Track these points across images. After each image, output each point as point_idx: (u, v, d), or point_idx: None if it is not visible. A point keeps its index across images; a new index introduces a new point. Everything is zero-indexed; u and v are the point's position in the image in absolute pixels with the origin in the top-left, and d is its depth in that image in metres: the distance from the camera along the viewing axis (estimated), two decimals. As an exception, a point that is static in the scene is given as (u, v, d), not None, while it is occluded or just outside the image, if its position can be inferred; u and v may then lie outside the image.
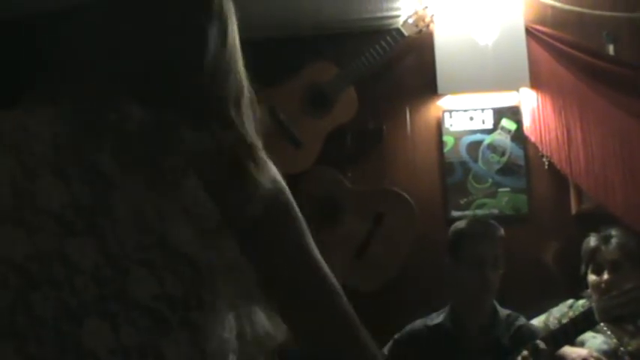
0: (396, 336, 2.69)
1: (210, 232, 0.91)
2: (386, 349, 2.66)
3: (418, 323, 2.69)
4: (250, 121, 1.05)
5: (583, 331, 2.38)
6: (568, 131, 3.32)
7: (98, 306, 0.86)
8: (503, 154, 3.44)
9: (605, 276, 2.70)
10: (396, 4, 3.46)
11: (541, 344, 2.30)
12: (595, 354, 2.53)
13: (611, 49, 3.40)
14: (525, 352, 2.30)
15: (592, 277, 2.77)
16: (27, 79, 0.98)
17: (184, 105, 0.97)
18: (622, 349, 2.61)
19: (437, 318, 2.65)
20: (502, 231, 2.63)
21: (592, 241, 2.82)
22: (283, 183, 1.02)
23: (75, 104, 0.94)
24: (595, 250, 2.78)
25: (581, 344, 2.60)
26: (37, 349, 0.83)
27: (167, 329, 0.88)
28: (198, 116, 0.97)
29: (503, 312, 2.58)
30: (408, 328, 2.70)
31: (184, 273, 0.89)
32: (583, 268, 2.82)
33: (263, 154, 1.01)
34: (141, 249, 0.88)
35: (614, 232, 2.80)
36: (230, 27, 1.05)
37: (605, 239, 2.78)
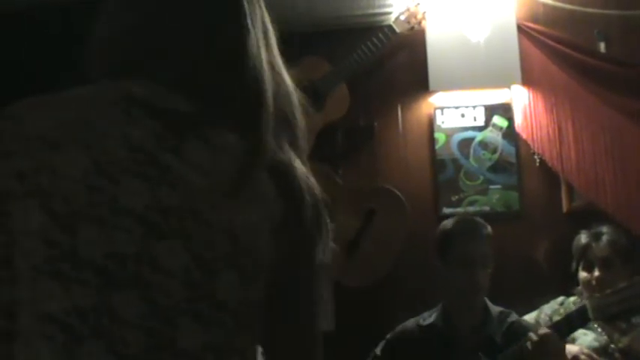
0: (388, 336, 2.68)
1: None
2: (379, 349, 2.66)
3: (410, 323, 2.67)
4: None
5: (576, 329, 2.38)
6: (559, 129, 3.33)
7: (189, 308, 0.85)
8: (494, 151, 3.44)
9: (596, 273, 2.71)
10: (388, 1, 3.46)
11: (534, 336, 2.30)
12: (586, 351, 2.54)
13: (602, 46, 3.41)
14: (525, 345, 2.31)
15: (583, 274, 2.77)
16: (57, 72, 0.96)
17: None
18: (612, 345, 2.62)
19: (429, 318, 2.63)
20: (490, 229, 2.60)
21: (583, 238, 2.83)
22: None
23: (143, 105, 0.91)
24: (586, 248, 2.78)
25: (572, 341, 2.60)
26: (125, 349, 0.82)
27: (247, 331, 0.91)
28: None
29: (495, 309, 2.57)
30: (401, 327, 2.68)
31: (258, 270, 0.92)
32: (574, 265, 2.83)
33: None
34: (231, 255, 0.89)
35: (604, 229, 2.81)
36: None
37: (596, 236, 2.79)
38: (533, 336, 2.29)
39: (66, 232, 0.83)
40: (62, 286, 0.82)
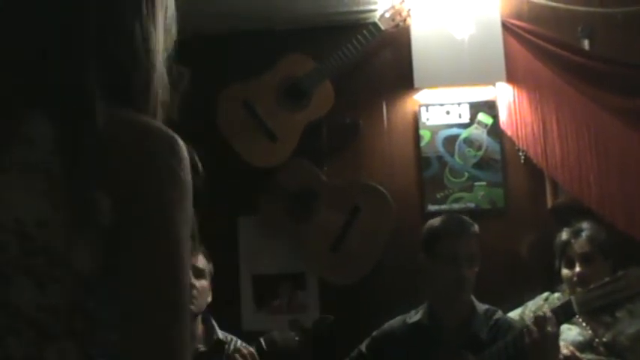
0: (374, 333, 2.68)
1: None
2: (364, 346, 2.65)
3: (397, 320, 2.67)
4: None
5: (561, 323, 2.39)
6: (544, 125, 3.34)
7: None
8: (479, 148, 3.45)
9: (577, 269, 2.73)
10: (373, -2, 3.46)
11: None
12: (570, 348, 2.55)
13: (586, 43, 3.42)
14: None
15: (564, 271, 2.79)
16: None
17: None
18: (597, 340, 2.64)
19: (415, 315, 2.63)
20: (477, 228, 2.61)
21: (563, 235, 2.85)
22: None
23: None
24: (566, 244, 2.80)
25: (557, 336, 2.61)
26: None
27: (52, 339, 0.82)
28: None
29: (481, 307, 2.57)
30: (387, 325, 2.68)
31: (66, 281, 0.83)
32: (557, 262, 2.85)
33: None
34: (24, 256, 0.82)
35: (584, 225, 2.83)
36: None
37: (576, 233, 2.80)
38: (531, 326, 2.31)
39: None
40: None
